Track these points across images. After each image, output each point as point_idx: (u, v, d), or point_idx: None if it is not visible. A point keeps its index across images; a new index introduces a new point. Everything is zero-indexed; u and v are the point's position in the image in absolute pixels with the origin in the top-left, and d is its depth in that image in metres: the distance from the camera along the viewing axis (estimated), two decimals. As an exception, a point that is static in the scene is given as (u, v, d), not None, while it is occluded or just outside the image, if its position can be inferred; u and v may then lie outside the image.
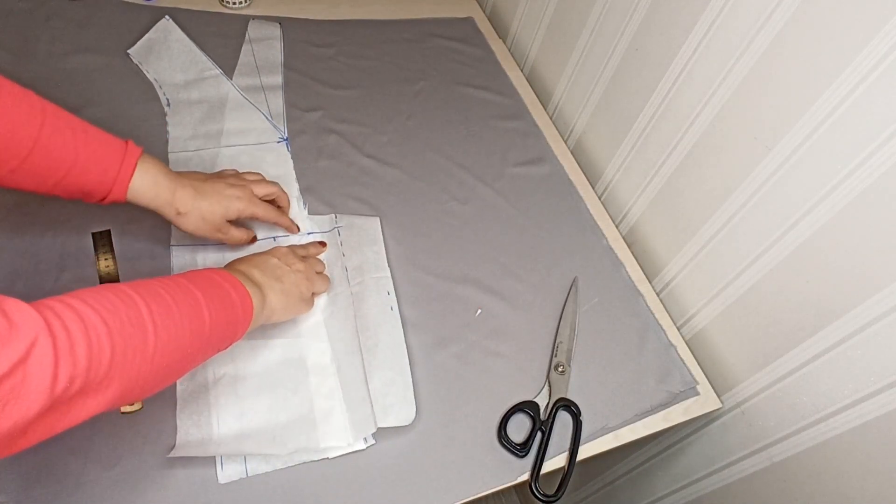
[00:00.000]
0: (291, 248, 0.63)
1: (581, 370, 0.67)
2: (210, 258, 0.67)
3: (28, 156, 0.48)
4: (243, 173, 0.68)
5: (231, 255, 0.67)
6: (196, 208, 0.59)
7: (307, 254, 0.66)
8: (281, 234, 0.70)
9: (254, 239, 0.69)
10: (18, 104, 0.48)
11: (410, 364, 0.64)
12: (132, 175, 0.55)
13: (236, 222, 0.65)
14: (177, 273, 0.63)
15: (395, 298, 0.67)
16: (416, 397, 0.62)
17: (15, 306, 0.33)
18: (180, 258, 0.66)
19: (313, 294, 0.62)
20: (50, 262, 0.63)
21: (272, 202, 0.68)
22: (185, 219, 0.59)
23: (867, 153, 0.52)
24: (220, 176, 0.65)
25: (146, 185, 0.56)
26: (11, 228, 0.64)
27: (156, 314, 0.41)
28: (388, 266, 0.70)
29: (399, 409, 0.59)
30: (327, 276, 0.65)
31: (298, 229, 0.71)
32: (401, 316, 0.67)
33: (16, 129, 0.47)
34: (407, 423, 0.59)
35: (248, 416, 0.57)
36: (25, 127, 0.48)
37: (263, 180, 0.68)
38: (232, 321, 0.49)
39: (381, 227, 0.73)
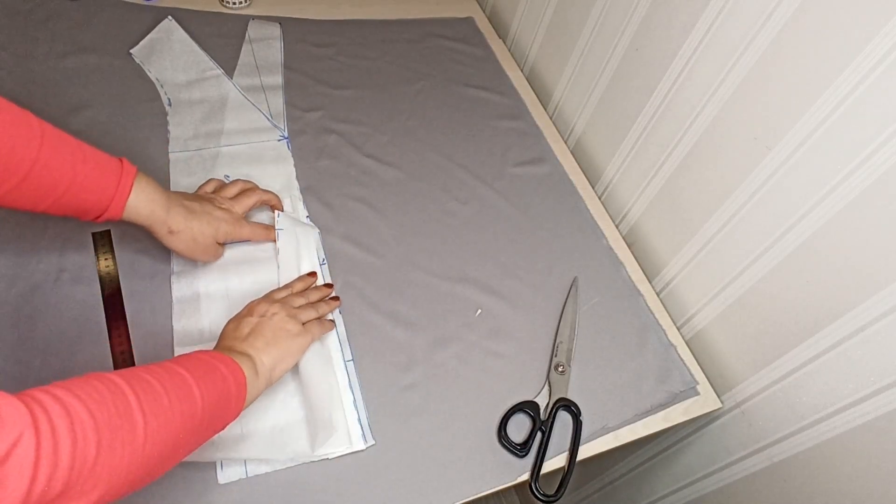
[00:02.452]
0: (266, 295, 0.60)
1: (581, 370, 0.67)
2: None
3: (27, 175, 0.48)
4: (226, 187, 0.68)
5: (231, 252, 0.67)
6: (189, 228, 0.60)
7: (291, 291, 0.63)
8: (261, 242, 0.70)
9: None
10: (18, 123, 0.47)
11: (412, 364, 0.64)
12: (129, 193, 0.55)
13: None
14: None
15: (339, 320, 0.66)
16: (415, 398, 0.62)
17: (2, 399, 0.31)
18: (180, 258, 0.66)
19: (305, 323, 0.58)
20: (50, 262, 0.63)
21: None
22: (177, 238, 0.59)
23: (867, 153, 0.52)
24: (206, 197, 0.65)
25: (142, 203, 0.56)
26: (11, 228, 0.64)
27: (144, 402, 0.39)
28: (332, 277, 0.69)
29: (344, 435, 0.58)
30: (312, 303, 0.62)
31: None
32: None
33: (15, 148, 0.47)
34: (357, 449, 0.57)
35: (247, 420, 0.57)
36: (25, 146, 0.47)
37: (244, 191, 0.68)
38: (224, 397, 0.47)
39: (321, 240, 0.71)
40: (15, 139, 0.47)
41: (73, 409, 0.34)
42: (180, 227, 0.59)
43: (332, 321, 0.64)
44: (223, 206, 0.65)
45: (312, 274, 0.67)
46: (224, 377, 0.47)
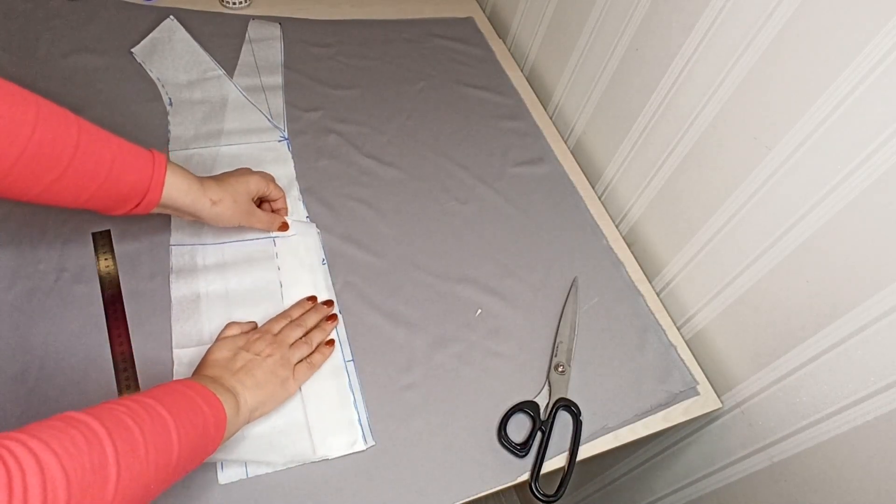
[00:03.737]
0: (265, 328, 0.60)
1: (581, 370, 0.67)
2: (210, 258, 0.67)
3: (69, 164, 0.49)
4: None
5: (230, 252, 0.67)
6: (226, 193, 0.61)
7: (289, 319, 0.62)
8: (278, 235, 0.70)
9: (284, 226, 0.70)
10: (54, 114, 0.48)
11: (412, 364, 0.64)
12: (166, 173, 0.55)
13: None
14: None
15: (339, 318, 0.66)
16: (415, 398, 0.62)
17: None
18: (180, 258, 0.66)
19: (297, 365, 0.58)
20: (50, 262, 0.63)
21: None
22: (220, 207, 0.60)
23: (867, 153, 0.52)
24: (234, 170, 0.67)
25: (179, 182, 0.56)
26: (12, 228, 0.64)
27: (121, 454, 0.38)
28: (333, 285, 0.68)
29: (340, 435, 0.58)
30: (308, 333, 0.61)
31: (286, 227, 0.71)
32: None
33: (57, 137, 0.48)
34: (358, 449, 0.58)
35: None
36: (65, 136, 0.48)
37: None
38: (202, 443, 0.46)
39: (321, 240, 0.71)
40: (56, 129, 0.47)
41: (48, 465, 0.34)
42: (219, 195, 0.60)
43: (329, 345, 0.62)
44: (251, 170, 0.67)
45: (312, 298, 0.65)
46: (205, 419, 0.46)
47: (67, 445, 0.36)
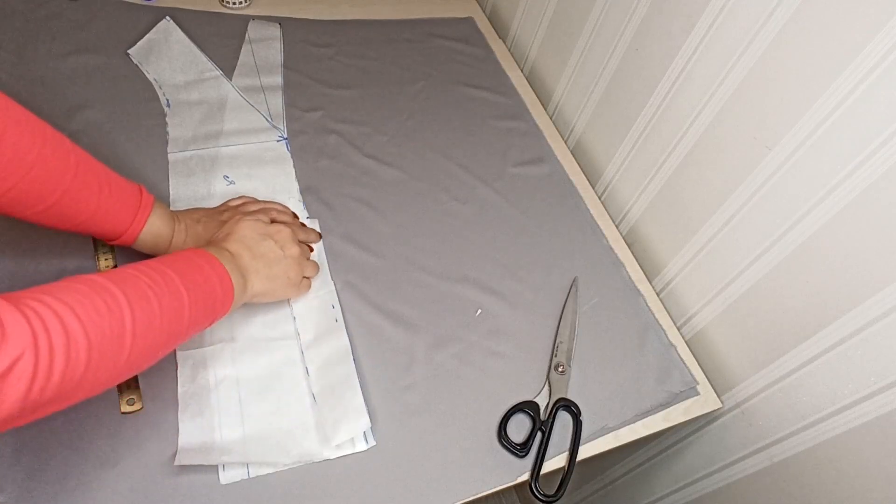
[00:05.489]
0: (292, 229, 0.63)
1: (581, 370, 0.67)
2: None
3: (55, 203, 0.51)
4: (244, 203, 0.67)
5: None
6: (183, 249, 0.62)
7: (306, 239, 0.68)
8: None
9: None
10: (55, 155, 0.50)
11: (412, 364, 0.64)
12: (142, 228, 0.58)
13: None
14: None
15: (339, 311, 0.66)
16: (415, 398, 0.62)
17: (10, 315, 0.34)
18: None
19: (305, 278, 0.64)
20: (50, 262, 0.63)
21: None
22: None
23: (867, 153, 0.52)
24: (219, 212, 0.66)
25: (150, 235, 0.59)
26: (12, 228, 0.64)
27: (138, 321, 0.42)
28: (333, 280, 0.68)
29: (349, 421, 0.58)
30: (315, 262, 0.67)
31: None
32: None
33: (49, 179, 0.50)
34: (361, 437, 0.58)
35: (250, 422, 0.57)
36: (58, 178, 0.50)
37: (262, 210, 0.66)
38: (209, 314, 0.51)
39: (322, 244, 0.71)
40: (50, 171, 0.50)
41: (72, 329, 0.37)
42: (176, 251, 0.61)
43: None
44: (229, 221, 0.64)
45: (319, 235, 0.71)
46: (215, 298, 0.51)
47: (90, 311, 0.39)
